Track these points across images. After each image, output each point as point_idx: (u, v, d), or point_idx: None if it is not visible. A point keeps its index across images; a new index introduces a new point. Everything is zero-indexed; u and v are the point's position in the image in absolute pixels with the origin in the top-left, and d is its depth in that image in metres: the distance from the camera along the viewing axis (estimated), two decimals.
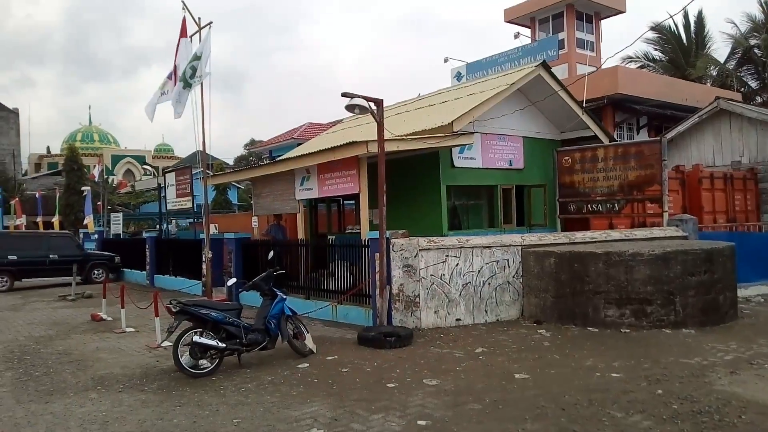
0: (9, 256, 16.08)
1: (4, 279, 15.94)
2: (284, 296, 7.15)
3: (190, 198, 15.08)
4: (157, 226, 38.87)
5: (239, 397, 5.46)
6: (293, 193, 11.46)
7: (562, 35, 22.46)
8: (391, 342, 7.32)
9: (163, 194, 17.36)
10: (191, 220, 34.98)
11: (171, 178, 16.21)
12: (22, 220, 31.95)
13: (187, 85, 9.73)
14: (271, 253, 8.04)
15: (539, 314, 8.71)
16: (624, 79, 19.27)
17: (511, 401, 5.06)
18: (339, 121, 21.43)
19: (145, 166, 71.49)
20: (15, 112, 76.52)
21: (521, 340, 7.54)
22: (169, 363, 6.73)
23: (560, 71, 18.01)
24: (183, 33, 10.19)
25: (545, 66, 12.22)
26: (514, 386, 5.53)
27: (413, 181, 11.54)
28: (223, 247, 12.47)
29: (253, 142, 65.33)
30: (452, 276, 8.56)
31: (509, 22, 25.30)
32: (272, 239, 12.28)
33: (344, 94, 7.97)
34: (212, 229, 14.66)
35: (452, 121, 10.07)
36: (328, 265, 10.27)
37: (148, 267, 16.43)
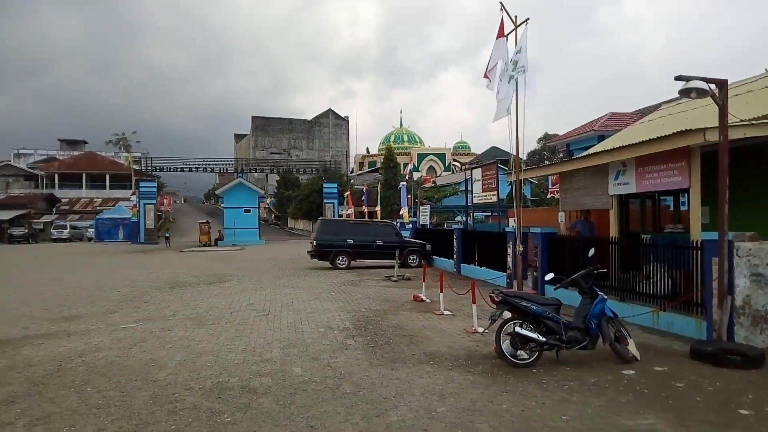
0: (348, 240, 19.39)
1: (344, 259, 19.30)
2: (605, 296, 6.82)
3: (495, 192, 15.67)
4: (457, 218, 41.73)
5: (563, 394, 5.42)
6: (606, 188, 10.83)
7: None
8: (734, 361, 6.30)
9: (468, 188, 18.42)
10: (488, 213, 36.60)
11: (477, 173, 17.09)
12: (351, 210, 38.07)
13: (512, 83, 10.08)
14: (592, 251, 7.75)
15: None
16: None
17: None
18: (648, 109, 19.42)
19: (454, 163, 77.46)
20: (346, 120, 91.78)
21: None
22: (488, 349, 7.12)
23: None
24: (500, 33, 10.57)
25: None
26: None
27: (757, 174, 9.68)
28: (527, 241, 12.59)
29: (546, 136, 64.35)
30: None
31: None
32: (578, 235, 11.87)
33: (678, 78, 7.12)
34: (512, 223, 14.95)
35: None
36: (641, 266, 9.42)
37: (455, 256, 17.73)
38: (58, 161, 74.60)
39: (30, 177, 68.59)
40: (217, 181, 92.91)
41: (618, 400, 5.22)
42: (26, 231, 50.55)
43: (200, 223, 39.91)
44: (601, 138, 18.65)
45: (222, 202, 45.36)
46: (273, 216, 76.61)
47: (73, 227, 52.91)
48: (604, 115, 25.45)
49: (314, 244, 19.52)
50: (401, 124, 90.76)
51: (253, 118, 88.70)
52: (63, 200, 65.04)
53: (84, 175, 69.60)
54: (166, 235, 40.27)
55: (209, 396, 5.43)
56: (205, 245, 36.84)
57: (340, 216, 40.69)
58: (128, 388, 5.71)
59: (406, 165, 40.69)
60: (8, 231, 49.65)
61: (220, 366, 6.56)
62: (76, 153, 79.18)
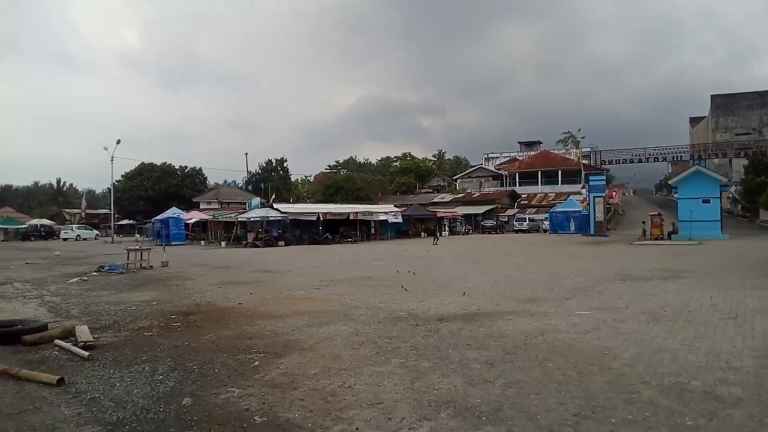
0: None
1: None
2: None
3: None
4: None
5: None
6: None
7: None
8: None
9: None
10: None
11: None
12: None
13: None
14: None
15: None
16: None
17: None
18: None
19: None
20: None
21: None
22: None
23: None
24: None
25: None
26: None
27: None
28: None
29: None
30: None
31: None
32: None
33: None
34: None
35: None
36: None
37: None
38: (518, 161, 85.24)
39: (496, 177, 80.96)
40: (670, 171, 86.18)
41: None
42: (494, 223, 59.79)
43: (651, 215, 37.87)
44: None
45: (675, 193, 41.80)
46: (739, 207, 65.68)
47: (531, 220, 59.03)
48: None
49: None
50: None
51: (713, 97, 78.17)
52: (522, 195, 73.24)
53: (539, 172, 76.98)
54: (644, 228, 38.21)
55: (667, 394, 5.21)
56: (657, 238, 34.82)
57: None
58: (585, 371, 6.04)
59: None
60: (481, 222, 59.81)
61: (678, 366, 6.17)
62: (532, 153, 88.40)
